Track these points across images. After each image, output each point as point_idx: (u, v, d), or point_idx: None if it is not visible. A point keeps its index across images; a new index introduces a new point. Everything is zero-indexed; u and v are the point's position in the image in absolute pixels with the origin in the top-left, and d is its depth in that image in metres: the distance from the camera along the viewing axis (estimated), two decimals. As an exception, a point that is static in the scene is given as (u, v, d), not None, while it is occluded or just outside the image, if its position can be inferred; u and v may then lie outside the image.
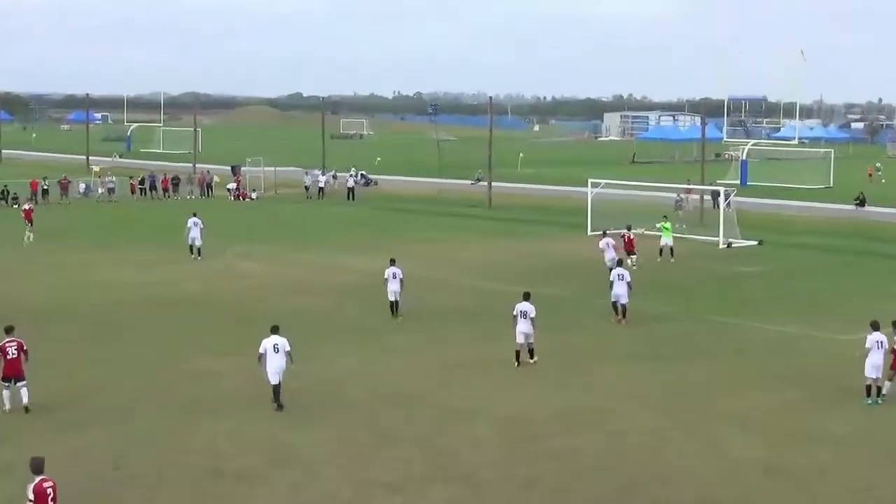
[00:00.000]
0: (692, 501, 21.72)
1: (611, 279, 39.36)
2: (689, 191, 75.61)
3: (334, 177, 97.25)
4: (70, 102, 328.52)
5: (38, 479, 18.85)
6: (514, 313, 32.74)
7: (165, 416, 27.05)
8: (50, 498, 18.72)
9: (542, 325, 36.37)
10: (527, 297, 33.12)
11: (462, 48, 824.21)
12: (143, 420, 26.76)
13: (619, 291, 38.69)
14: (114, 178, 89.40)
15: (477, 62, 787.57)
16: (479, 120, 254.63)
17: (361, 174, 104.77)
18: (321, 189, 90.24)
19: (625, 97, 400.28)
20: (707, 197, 74.73)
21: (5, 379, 27.37)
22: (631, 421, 26.85)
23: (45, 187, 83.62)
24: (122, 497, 21.78)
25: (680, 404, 28.37)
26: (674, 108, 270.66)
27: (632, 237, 51.80)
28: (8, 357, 27.28)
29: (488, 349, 34.56)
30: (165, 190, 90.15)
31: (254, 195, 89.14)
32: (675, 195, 72.89)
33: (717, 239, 60.08)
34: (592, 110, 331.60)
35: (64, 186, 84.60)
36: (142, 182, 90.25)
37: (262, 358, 28.06)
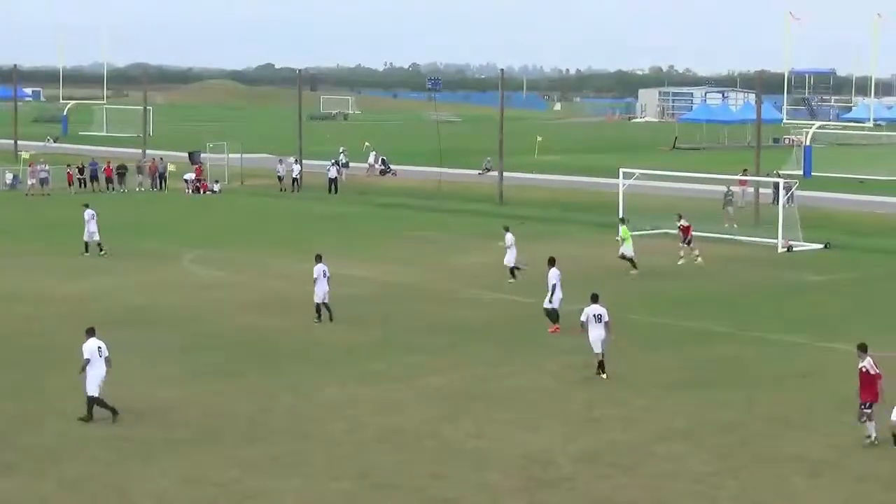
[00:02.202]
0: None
1: (554, 282, 39.85)
2: (743, 182, 75.22)
3: (343, 164, 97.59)
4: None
5: None
6: (583, 319, 33.89)
7: (102, 458, 26.64)
8: None
9: (565, 347, 36.21)
10: (595, 298, 34.38)
11: (467, 10, 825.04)
12: (76, 463, 26.35)
13: (562, 295, 39.58)
14: (47, 167, 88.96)
15: (485, 27, 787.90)
16: (488, 97, 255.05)
17: (382, 159, 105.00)
18: (296, 180, 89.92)
19: (664, 70, 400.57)
20: (766, 190, 74.23)
21: None
22: (676, 463, 26.45)
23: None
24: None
25: (736, 443, 27.98)
26: (723, 84, 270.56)
27: (687, 225, 54.52)
28: None
29: (500, 375, 34.24)
30: (109, 181, 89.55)
31: (216, 187, 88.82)
32: (723, 187, 72.47)
33: (775, 241, 59.72)
34: (625, 86, 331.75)
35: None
36: (81, 171, 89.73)
37: (88, 364, 29.06)
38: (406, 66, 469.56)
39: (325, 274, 41.09)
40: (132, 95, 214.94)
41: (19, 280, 49.65)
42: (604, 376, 33.52)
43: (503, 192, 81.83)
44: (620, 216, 54.82)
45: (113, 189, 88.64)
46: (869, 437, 27.47)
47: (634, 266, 52.32)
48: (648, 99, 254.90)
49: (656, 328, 40.73)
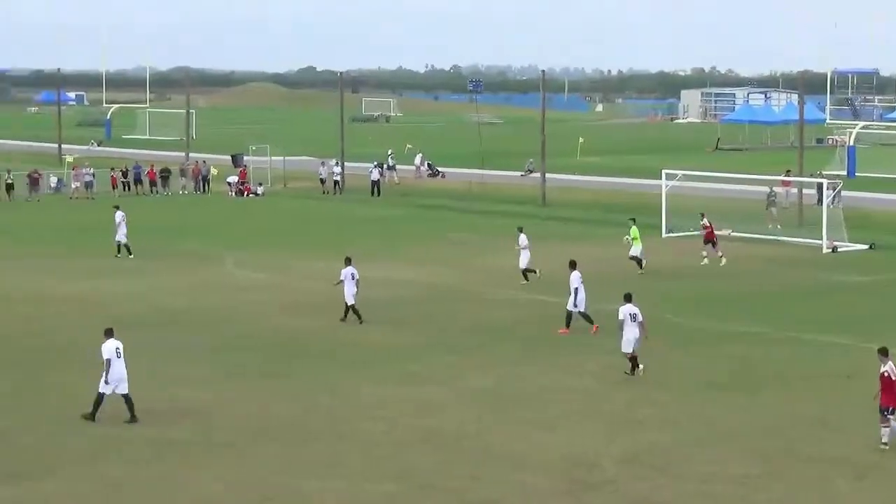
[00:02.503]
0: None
1: (576, 285, 40.01)
2: (787, 183, 74.78)
3: (389, 167, 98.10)
4: (38, 79, 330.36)
5: None
6: (621, 318, 34.07)
7: (141, 462, 26.67)
8: None
9: (607, 348, 36.05)
10: (629, 298, 34.52)
11: (508, 11, 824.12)
12: (114, 466, 26.38)
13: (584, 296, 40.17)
14: (92, 170, 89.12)
15: (527, 28, 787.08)
16: (530, 99, 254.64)
17: (428, 164, 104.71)
18: (338, 182, 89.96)
19: (706, 71, 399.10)
20: (811, 191, 73.68)
21: None
22: (717, 465, 26.23)
23: (10, 181, 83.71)
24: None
25: (777, 445, 27.74)
26: (765, 84, 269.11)
27: (709, 224, 54.38)
28: None
29: (539, 375, 34.11)
30: (153, 184, 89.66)
31: (259, 190, 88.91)
32: (767, 188, 72.02)
33: (819, 242, 59.32)
34: (667, 87, 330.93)
35: (35, 181, 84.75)
36: (125, 174, 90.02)
37: (109, 365, 29.37)
38: (447, 69, 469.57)
39: (353, 276, 41.44)
40: (175, 99, 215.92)
41: (59, 282, 49.67)
42: (640, 367, 33.63)
43: (546, 193, 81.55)
44: (630, 217, 54.79)
45: (156, 192, 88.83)
46: (885, 443, 27.18)
47: (640, 266, 52.41)
48: (691, 100, 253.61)
49: (696, 330, 40.50)
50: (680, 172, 68.62)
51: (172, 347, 37.81)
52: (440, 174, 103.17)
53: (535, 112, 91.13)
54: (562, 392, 32.32)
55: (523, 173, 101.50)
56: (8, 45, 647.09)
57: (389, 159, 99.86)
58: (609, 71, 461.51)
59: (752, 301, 46.05)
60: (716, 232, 54.70)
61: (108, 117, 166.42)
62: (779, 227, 65.48)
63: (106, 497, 24.42)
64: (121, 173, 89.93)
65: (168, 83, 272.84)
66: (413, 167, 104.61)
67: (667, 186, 66.05)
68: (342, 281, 41.67)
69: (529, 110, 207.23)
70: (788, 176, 74.55)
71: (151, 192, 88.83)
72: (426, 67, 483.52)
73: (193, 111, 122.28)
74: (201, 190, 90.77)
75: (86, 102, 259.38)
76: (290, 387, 32.90)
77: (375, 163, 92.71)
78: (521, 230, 50.91)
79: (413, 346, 37.87)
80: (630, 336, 33.80)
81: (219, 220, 73.24)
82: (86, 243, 61.22)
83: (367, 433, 28.68)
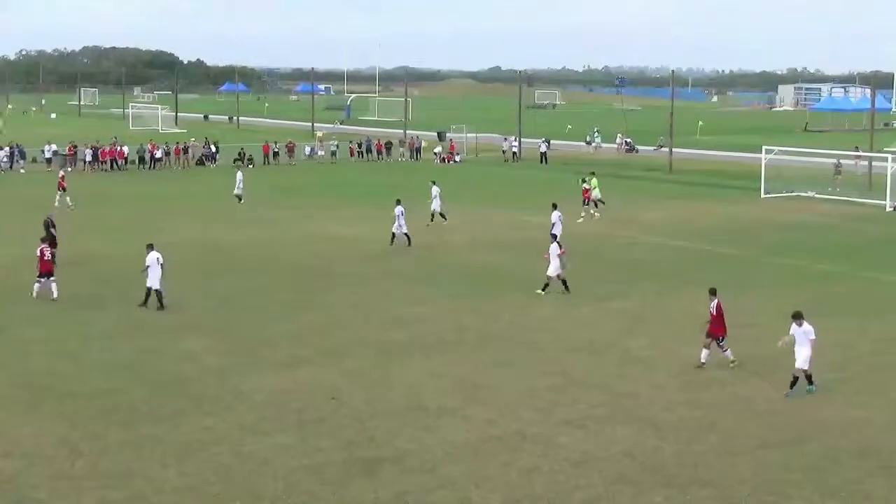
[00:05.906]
0: (856, 449, 20.62)
1: (553, 221, 41.28)
2: (858, 157, 72.64)
3: (587, 142, 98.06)
4: (297, 75, 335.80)
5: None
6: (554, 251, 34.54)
7: (372, 357, 27.01)
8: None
9: (711, 281, 35.40)
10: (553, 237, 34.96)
11: (644, 24, 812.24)
12: (353, 360, 26.77)
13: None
14: (337, 143, 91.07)
15: (661, 37, 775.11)
16: (663, 91, 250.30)
17: (626, 141, 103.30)
18: (515, 153, 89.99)
19: (798, 70, 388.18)
20: (882, 163, 71.22)
21: (42, 275, 32.57)
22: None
23: (276, 150, 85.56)
24: (343, 423, 21.86)
25: (852, 357, 27.12)
26: (846, 81, 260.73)
27: (586, 188, 53.34)
28: (45, 258, 32.60)
29: (667, 302, 33.72)
30: (380, 153, 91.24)
31: (457, 158, 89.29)
32: (839, 161, 69.72)
33: (884, 203, 57.45)
34: (768, 82, 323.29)
35: (290, 149, 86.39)
36: (359, 146, 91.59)
37: (149, 269, 31.25)
38: (600, 68, 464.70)
39: (402, 213, 42.92)
40: (396, 90, 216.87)
41: (314, 225, 50.54)
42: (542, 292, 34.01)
43: (672, 163, 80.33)
44: (591, 171, 57.38)
45: (382, 159, 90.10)
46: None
47: (602, 204, 52.87)
48: (786, 93, 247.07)
49: (786, 268, 39.65)
50: (776, 148, 67.09)
51: (397, 273, 38.31)
52: (635, 150, 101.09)
53: (666, 101, 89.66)
54: (683, 314, 31.62)
55: (655, 148, 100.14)
56: (274, 49, 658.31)
57: (588, 136, 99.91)
58: (723, 70, 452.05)
59: (831, 249, 44.67)
60: (799, 193, 53.19)
61: (348, 103, 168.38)
62: (838, 189, 63.59)
63: (348, 380, 24.79)
64: (356, 145, 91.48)
65: (392, 79, 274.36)
66: (615, 145, 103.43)
67: (765, 159, 64.72)
68: (398, 217, 43.07)
69: (662, 100, 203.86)
70: (857, 151, 72.61)
71: (378, 159, 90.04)
72: (584, 67, 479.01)
73: (410, 99, 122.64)
74: (415, 158, 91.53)
75: (332, 92, 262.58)
76: (483, 305, 32.95)
77: (543, 139, 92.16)
78: (433, 183, 51.54)
79: (574, 278, 37.42)
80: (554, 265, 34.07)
81: (427, 181, 73.39)
82: (333, 197, 62.23)
83: (539, 341, 28.71)
